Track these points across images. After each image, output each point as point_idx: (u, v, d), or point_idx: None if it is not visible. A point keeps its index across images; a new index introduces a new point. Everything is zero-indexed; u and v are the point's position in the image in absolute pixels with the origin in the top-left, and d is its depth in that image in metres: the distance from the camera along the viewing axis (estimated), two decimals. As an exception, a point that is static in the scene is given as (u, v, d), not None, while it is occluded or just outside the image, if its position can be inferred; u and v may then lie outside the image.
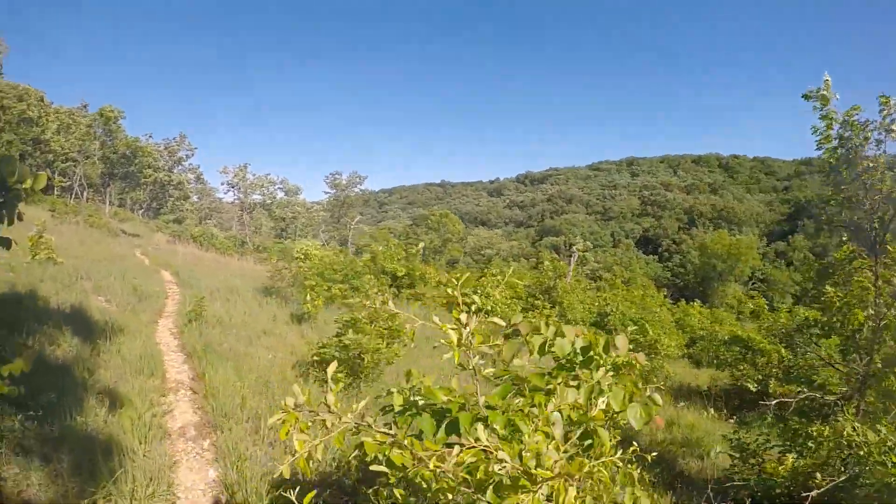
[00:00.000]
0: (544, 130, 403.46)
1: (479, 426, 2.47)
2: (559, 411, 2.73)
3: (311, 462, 2.55)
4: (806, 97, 8.39)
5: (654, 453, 3.17)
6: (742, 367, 17.36)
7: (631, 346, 3.01)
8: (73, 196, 52.44)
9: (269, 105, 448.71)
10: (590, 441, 2.78)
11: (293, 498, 2.69)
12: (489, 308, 24.79)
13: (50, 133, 52.24)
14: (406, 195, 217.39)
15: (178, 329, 13.06)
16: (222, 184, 64.08)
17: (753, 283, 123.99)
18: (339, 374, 10.00)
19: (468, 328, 2.93)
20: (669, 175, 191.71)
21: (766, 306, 27.92)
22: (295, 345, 13.50)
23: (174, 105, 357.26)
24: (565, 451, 2.49)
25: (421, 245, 29.08)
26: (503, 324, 3.04)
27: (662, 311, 36.31)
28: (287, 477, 2.46)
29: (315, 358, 10.70)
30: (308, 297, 15.84)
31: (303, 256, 21.87)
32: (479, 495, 2.38)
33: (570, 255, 47.08)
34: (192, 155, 69.61)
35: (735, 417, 14.88)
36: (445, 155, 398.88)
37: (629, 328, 23.41)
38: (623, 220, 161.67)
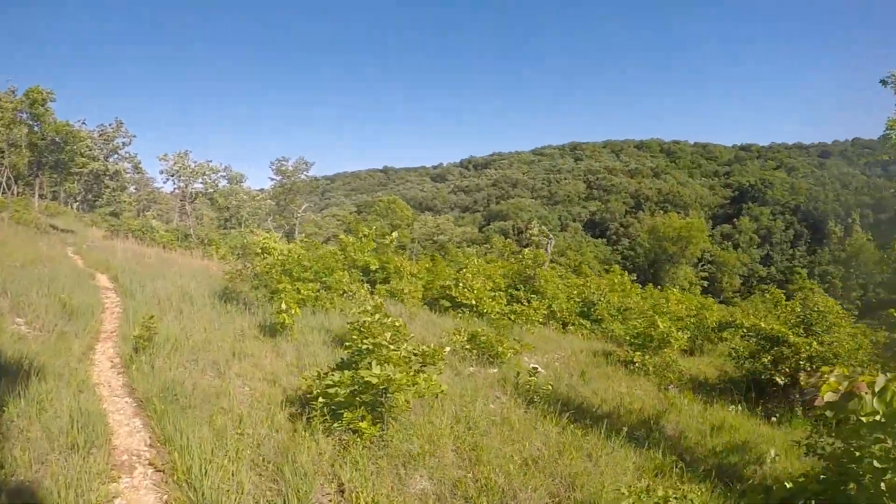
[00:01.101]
0: (487, 115, 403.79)
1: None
2: None
3: None
4: (883, 83, 8.64)
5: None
6: (764, 359, 15.73)
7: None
8: (2, 191, 48.35)
9: (206, 91, 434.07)
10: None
11: None
12: (473, 302, 22.50)
13: None
14: (348, 181, 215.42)
15: (122, 360, 10.03)
16: (161, 172, 59.23)
17: (703, 265, 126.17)
18: (363, 424, 7.31)
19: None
20: (613, 160, 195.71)
21: (783, 296, 26.46)
22: (275, 370, 10.65)
23: (109, 89, 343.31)
24: None
25: (394, 234, 26.22)
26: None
27: (635, 296, 34.77)
28: None
29: (320, 399, 7.93)
30: (282, 305, 12.94)
31: (260, 251, 19.04)
32: None
33: (548, 242, 44.66)
34: (130, 143, 65.42)
35: (761, 412, 14.15)
36: (387, 140, 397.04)
37: (638, 320, 21.54)
38: (570, 204, 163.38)
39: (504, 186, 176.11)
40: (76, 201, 65.05)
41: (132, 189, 71.98)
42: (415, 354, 8.57)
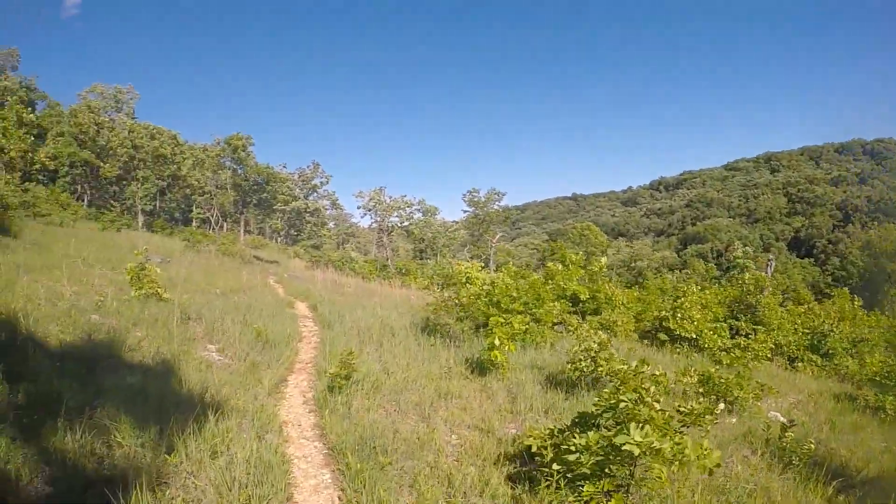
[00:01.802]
0: (674, 133, 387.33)
1: None
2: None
3: None
4: None
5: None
6: None
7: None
8: (211, 227, 52.87)
9: (393, 129, 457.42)
10: None
11: None
12: (693, 335, 19.35)
13: (186, 169, 56.02)
14: (539, 210, 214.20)
15: (315, 396, 8.64)
16: (359, 208, 62.16)
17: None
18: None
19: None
20: (812, 168, 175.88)
21: None
22: (486, 414, 8.71)
23: (305, 133, 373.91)
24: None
25: (604, 260, 23.57)
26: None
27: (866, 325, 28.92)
28: None
29: (555, 466, 5.75)
30: (494, 340, 10.94)
31: (465, 281, 17.44)
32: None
33: (768, 264, 39.41)
34: (327, 182, 70.43)
35: None
36: (574, 167, 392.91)
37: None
38: (771, 222, 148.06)
39: (698, 206, 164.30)
40: (280, 236, 69.46)
41: (331, 224, 75.76)
42: (679, 412, 6.10)
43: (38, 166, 51.35)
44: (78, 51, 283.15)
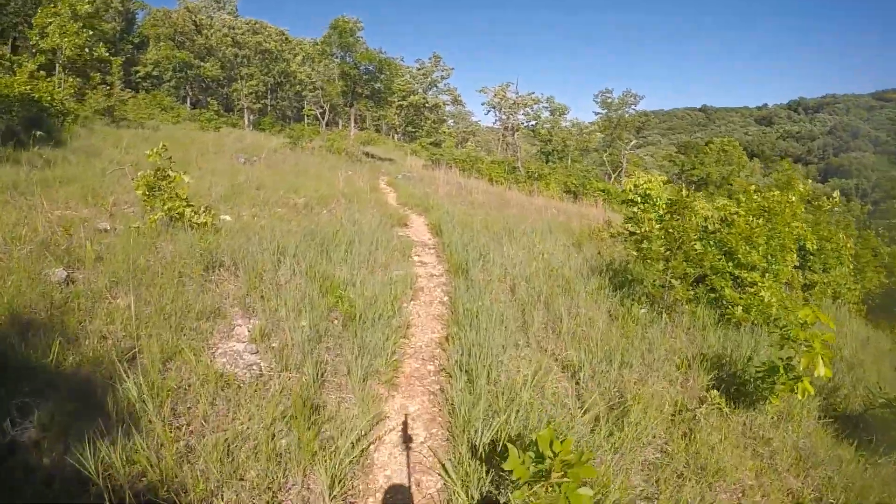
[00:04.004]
0: (817, 50, 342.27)
1: None
2: None
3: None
4: None
5: None
6: None
7: None
8: (326, 124, 49.85)
9: (522, 21, 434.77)
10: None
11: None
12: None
13: (295, 65, 53.32)
14: (664, 120, 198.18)
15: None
16: (482, 104, 57.07)
17: None
18: None
19: None
20: None
21: None
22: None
23: (426, 26, 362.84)
24: None
25: (836, 195, 16.17)
26: None
27: None
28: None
29: None
30: (805, 357, 5.17)
31: (638, 199, 12.05)
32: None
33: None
34: (448, 76, 64.72)
35: None
36: (704, 76, 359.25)
37: None
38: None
39: (843, 136, 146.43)
40: (397, 133, 65.79)
41: (451, 122, 70.88)
42: None
43: (141, 73, 51.66)
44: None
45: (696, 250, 7.86)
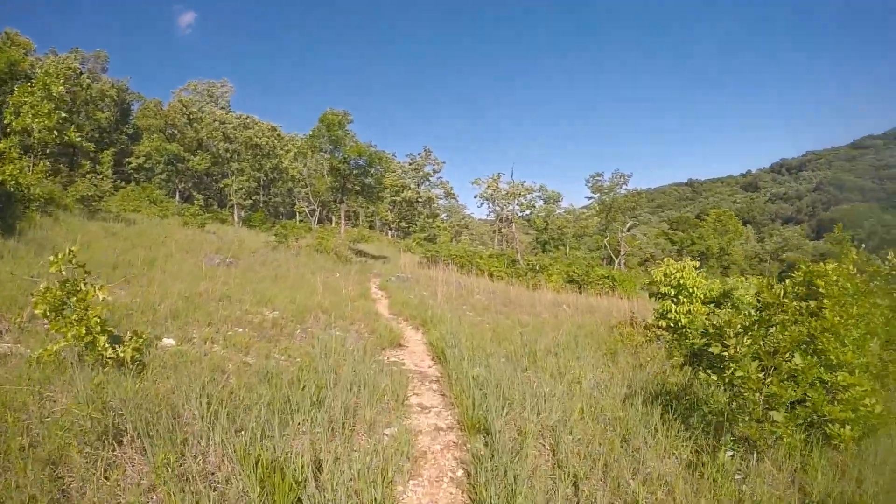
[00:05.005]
0: (795, 112, 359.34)
1: None
2: None
3: None
4: None
5: None
6: None
7: None
8: (318, 220, 48.93)
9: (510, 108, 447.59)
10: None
11: None
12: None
13: (287, 161, 54.97)
14: (652, 198, 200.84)
15: None
16: (475, 196, 56.02)
17: None
18: None
19: None
20: None
21: None
22: None
23: (417, 122, 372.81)
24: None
25: (891, 255, 14.43)
26: None
27: None
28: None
29: None
30: None
31: (672, 291, 10.95)
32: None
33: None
34: (440, 169, 65.57)
35: None
36: (687, 153, 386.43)
37: None
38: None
39: (829, 190, 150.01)
40: (391, 229, 65.72)
41: (444, 216, 70.59)
42: None
43: (133, 165, 51.38)
44: (185, 64, 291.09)
45: (796, 365, 5.73)
